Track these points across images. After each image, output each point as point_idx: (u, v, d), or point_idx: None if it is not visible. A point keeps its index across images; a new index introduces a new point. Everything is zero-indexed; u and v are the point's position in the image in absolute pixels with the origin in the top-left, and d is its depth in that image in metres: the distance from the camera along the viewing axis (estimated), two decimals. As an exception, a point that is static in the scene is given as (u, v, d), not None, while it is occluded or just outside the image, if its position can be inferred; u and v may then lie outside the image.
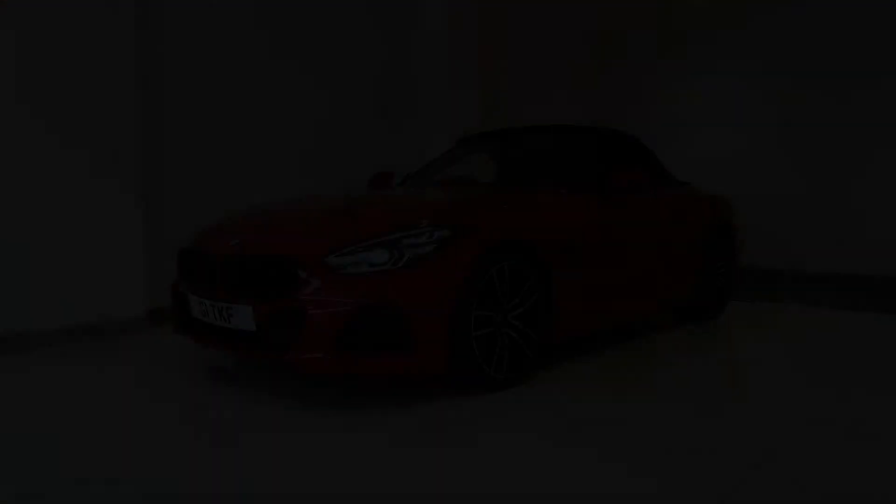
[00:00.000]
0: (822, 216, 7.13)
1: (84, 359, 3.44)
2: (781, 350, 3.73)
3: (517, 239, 2.88)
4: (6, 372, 3.17)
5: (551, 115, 6.97)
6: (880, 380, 3.10)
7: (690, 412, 2.63)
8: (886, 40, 6.71)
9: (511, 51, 7.24)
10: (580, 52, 8.42)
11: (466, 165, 4.43)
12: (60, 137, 3.73)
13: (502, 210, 3.04)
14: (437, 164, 4.49)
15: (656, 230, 3.99)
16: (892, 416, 2.59)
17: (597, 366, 3.30)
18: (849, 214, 6.98)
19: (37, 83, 3.63)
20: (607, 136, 4.04)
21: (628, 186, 3.55)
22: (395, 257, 2.57)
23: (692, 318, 4.53)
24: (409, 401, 2.70)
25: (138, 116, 4.02)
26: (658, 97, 8.34)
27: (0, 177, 3.54)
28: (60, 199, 3.75)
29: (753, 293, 6.03)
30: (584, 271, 3.26)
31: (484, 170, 4.53)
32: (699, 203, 4.45)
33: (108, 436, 2.31)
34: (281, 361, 2.57)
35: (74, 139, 3.77)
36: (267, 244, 2.77)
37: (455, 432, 2.36)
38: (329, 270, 2.55)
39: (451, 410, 2.59)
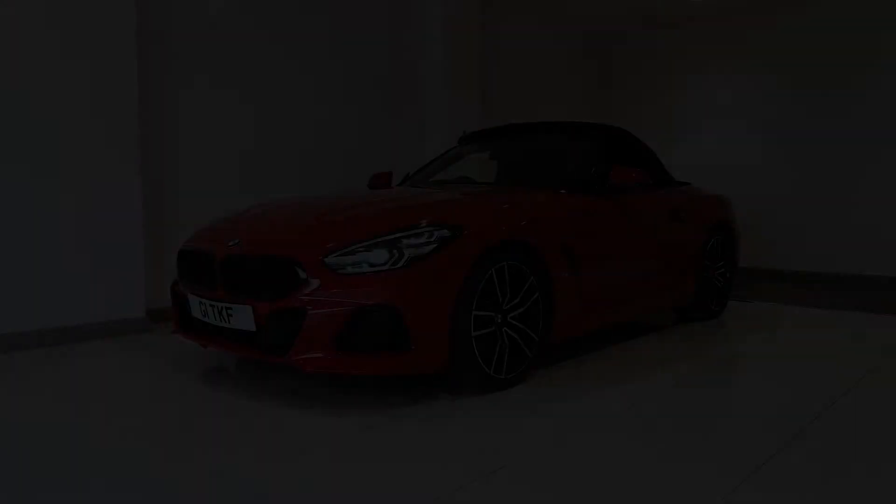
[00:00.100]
0: (823, 217, 7.14)
1: (84, 359, 3.44)
2: (780, 350, 3.73)
3: (517, 239, 2.88)
4: (6, 372, 3.17)
5: (551, 114, 6.98)
6: (876, 379, 3.11)
7: (690, 412, 2.63)
8: (888, 40, 6.70)
9: (511, 51, 7.24)
10: (580, 52, 8.42)
11: (466, 165, 4.43)
12: (60, 137, 3.73)
13: (502, 210, 3.04)
14: (437, 164, 4.49)
15: (656, 230, 3.99)
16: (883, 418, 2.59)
17: (597, 366, 3.30)
18: (849, 215, 6.98)
19: (37, 83, 3.63)
20: (607, 135, 4.04)
21: (628, 186, 3.56)
22: (394, 257, 2.57)
23: (692, 318, 4.54)
24: (409, 401, 2.70)
25: (139, 116, 4.02)
26: (658, 97, 8.34)
27: (3, 180, 3.54)
28: (60, 199, 3.74)
29: (753, 293, 6.02)
30: (584, 271, 3.26)
31: (484, 170, 4.53)
32: (699, 203, 4.45)
33: (108, 436, 2.31)
34: (281, 361, 2.58)
35: (75, 139, 3.77)
36: (267, 244, 2.77)
37: (455, 432, 2.36)
38: (329, 270, 2.55)
39: (451, 410, 2.59)
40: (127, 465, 2.06)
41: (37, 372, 3.17)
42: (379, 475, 2.00)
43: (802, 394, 2.87)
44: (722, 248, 4.60)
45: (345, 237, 2.65)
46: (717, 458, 2.13)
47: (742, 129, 7.67)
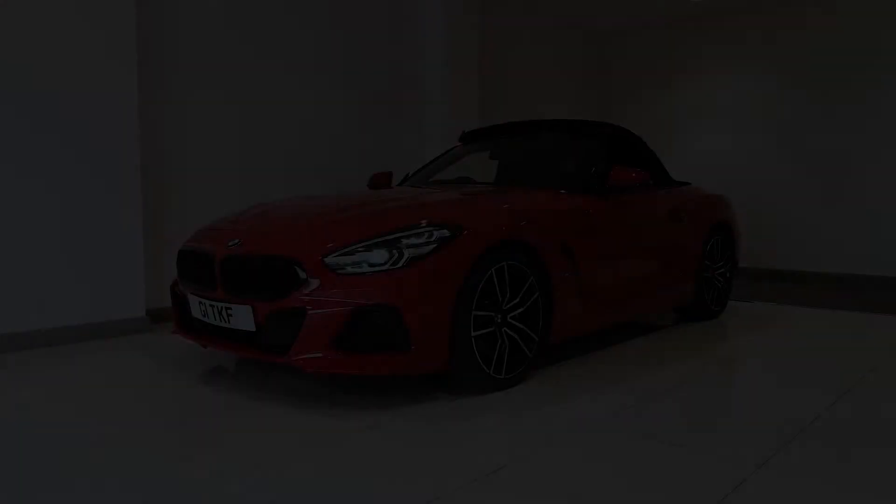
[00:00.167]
0: (823, 217, 7.14)
1: (84, 359, 3.44)
2: (780, 350, 3.73)
3: (517, 239, 2.88)
4: (5, 371, 3.17)
5: (551, 114, 6.98)
6: (873, 378, 3.11)
7: (690, 412, 2.63)
8: (888, 40, 6.70)
9: (511, 50, 7.24)
10: (580, 52, 8.42)
11: (466, 165, 4.43)
12: (60, 138, 3.73)
13: (502, 210, 3.04)
14: (437, 164, 4.49)
15: (656, 230, 3.99)
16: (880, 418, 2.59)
17: (596, 366, 3.30)
18: (849, 215, 6.98)
19: (37, 84, 3.64)
20: (607, 133, 4.04)
21: (628, 186, 3.56)
22: (394, 257, 2.57)
23: (692, 318, 4.54)
24: (409, 401, 2.70)
25: (139, 116, 4.02)
26: (658, 97, 8.34)
27: (3, 180, 3.55)
28: (60, 199, 3.75)
29: (753, 293, 6.03)
30: (584, 271, 3.27)
31: (484, 169, 4.53)
32: (699, 203, 4.45)
33: (108, 436, 2.32)
34: (281, 361, 2.58)
35: (74, 139, 3.78)
36: (266, 244, 2.77)
37: (455, 432, 2.37)
38: (329, 270, 2.56)
39: (451, 410, 2.59)
40: (127, 466, 2.06)
41: (36, 372, 3.17)
42: (379, 475, 2.00)
43: (802, 394, 2.87)
44: (722, 248, 4.61)
45: (345, 237, 2.65)
46: (717, 458, 2.13)
47: (742, 130, 7.67)
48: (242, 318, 2.67)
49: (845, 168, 6.98)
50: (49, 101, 3.68)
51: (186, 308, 3.06)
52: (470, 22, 6.15)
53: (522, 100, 7.34)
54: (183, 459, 2.10)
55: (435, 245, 2.62)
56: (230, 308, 2.71)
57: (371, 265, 2.56)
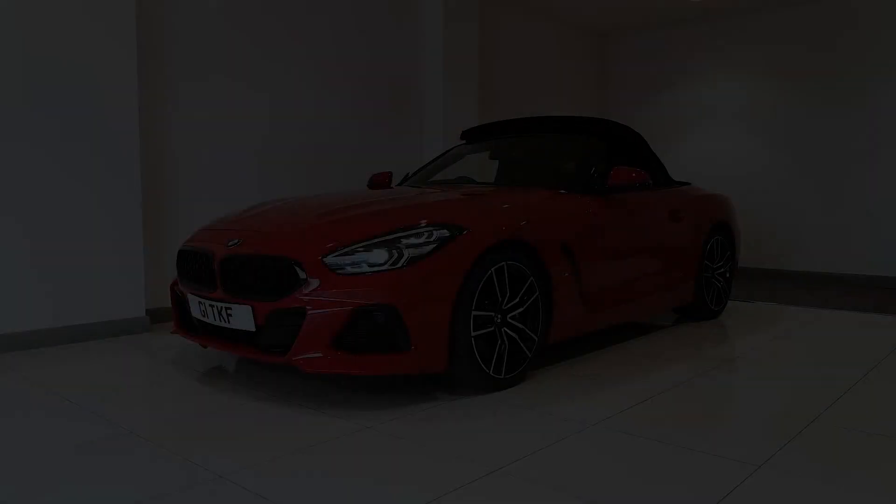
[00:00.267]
0: (823, 217, 7.14)
1: (84, 359, 3.44)
2: (780, 350, 3.73)
3: (516, 239, 2.88)
4: (5, 371, 3.17)
5: (551, 114, 6.98)
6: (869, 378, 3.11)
7: (690, 412, 2.63)
8: (889, 40, 6.70)
9: (511, 50, 7.24)
10: (580, 52, 8.42)
11: (466, 165, 4.43)
12: (60, 137, 3.73)
13: (502, 210, 3.04)
14: (437, 164, 4.49)
15: (656, 230, 3.99)
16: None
17: (596, 366, 3.30)
18: (849, 215, 6.98)
19: (37, 83, 3.64)
20: (608, 131, 4.04)
21: (628, 185, 3.56)
22: (394, 257, 2.57)
23: (691, 318, 4.54)
24: (409, 401, 2.70)
25: (139, 116, 4.02)
26: (658, 97, 8.34)
27: (3, 180, 3.55)
28: (60, 198, 3.75)
29: (753, 293, 6.02)
30: (584, 271, 3.27)
31: (484, 169, 4.53)
32: (699, 202, 4.45)
33: (108, 436, 2.31)
34: (281, 361, 2.58)
35: (74, 139, 3.77)
36: (266, 244, 2.77)
37: (455, 432, 2.36)
38: (328, 270, 2.56)
39: (451, 410, 2.59)
40: (126, 465, 2.06)
41: (36, 372, 3.17)
42: (378, 475, 2.00)
43: (802, 394, 2.87)
44: (722, 247, 4.61)
45: (344, 237, 2.65)
46: (716, 458, 2.13)
47: (742, 130, 7.67)
48: (242, 318, 2.67)
49: (845, 168, 6.98)
50: (49, 102, 3.68)
51: (186, 308, 3.07)
52: (470, 22, 6.15)
53: (522, 100, 7.34)
54: (182, 459, 2.10)
55: (435, 245, 2.62)
56: (230, 308, 2.71)
57: (371, 265, 2.56)
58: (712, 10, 7.52)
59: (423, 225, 2.69)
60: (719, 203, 4.67)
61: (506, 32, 7.17)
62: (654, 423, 2.47)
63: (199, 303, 2.88)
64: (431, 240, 2.63)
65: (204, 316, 2.87)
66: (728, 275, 4.69)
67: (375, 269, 2.56)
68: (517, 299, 2.87)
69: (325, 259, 2.57)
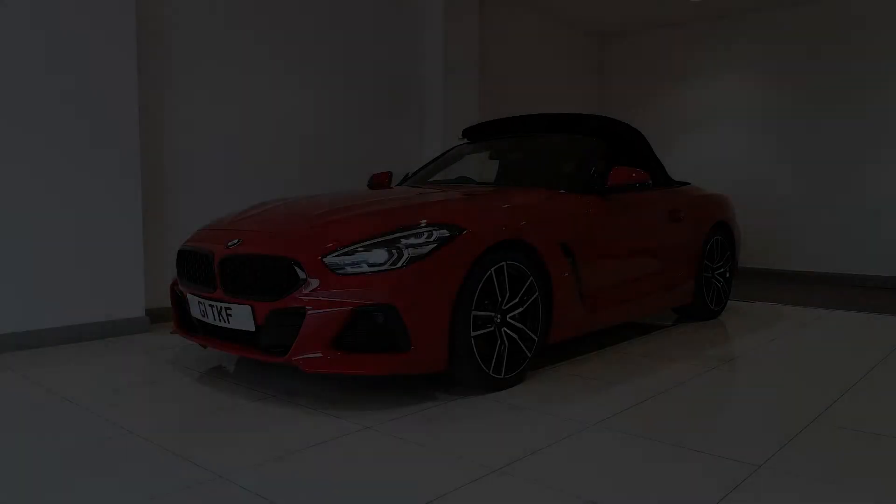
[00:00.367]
0: (823, 217, 7.14)
1: (83, 359, 3.44)
2: (780, 350, 3.73)
3: (516, 239, 2.88)
4: (5, 371, 3.17)
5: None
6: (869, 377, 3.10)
7: (690, 412, 2.63)
8: (889, 40, 6.70)
9: (511, 50, 7.24)
10: (580, 52, 8.42)
11: (466, 165, 4.43)
12: (60, 137, 3.73)
13: (501, 210, 3.04)
14: (437, 164, 4.49)
15: (656, 230, 3.99)
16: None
17: (596, 366, 3.30)
18: (849, 215, 6.98)
19: (37, 83, 3.64)
20: (609, 130, 4.05)
21: (628, 185, 3.56)
22: (394, 257, 2.57)
23: (691, 318, 4.54)
24: (409, 401, 2.70)
25: (139, 116, 4.02)
26: (658, 97, 8.34)
27: (3, 180, 3.55)
28: (60, 199, 3.74)
29: (753, 293, 6.02)
30: (584, 271, 3.27)
31: (484, 169, 4.53)
32: (699, 202, 4.45)
33: (107, 436, 2.31)
34: (280, 361, 2.58)
35: (74, 139, 3.77)
36: (266, 244, 2.77)
37: (454, 432, 2.36)
38: (328, 270, 2.56)
39: (451, 410, 2.59)
40: (126, 465, 2.06)
41: (36, 372, 3.16)
42: (378, 475, 2.00)
43: (802, 394, 2.87)
44: (721, 247, 4.61)
45: (344, 237, 2.65)
46: (716, 457, 2.13)
47: (742, 130, 7.67)
48: (242, 318, 2.67)
49: (845, 168, 6.98)
50: (49, 102, 3.68)
51: (186, 308, 3.07)
52: (470, 22, 6.15)
53: (522, 100, 7.33)
54: (182, 459, 2.10)
55: (434, 245, 2.62)
56: (230, 308, 2.71)
57: (371, 265, 2.56)
58: (712, 10, 7.52)
59: (422, 225, 2.69)
60: (719, 203, 4.67)
61: (506, 33, 7.17)
62: (654, 423, 2.47)
63: (199, 303, 2.88)
64: (431, 240, 2.63)
65: (204, 316, 2.87)
66: (728, 275, 4.69)
67: (375, 269, 2.56)
68: (517, 299, 2.87)
69: (324, 259, 2.57)
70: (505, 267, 2.80)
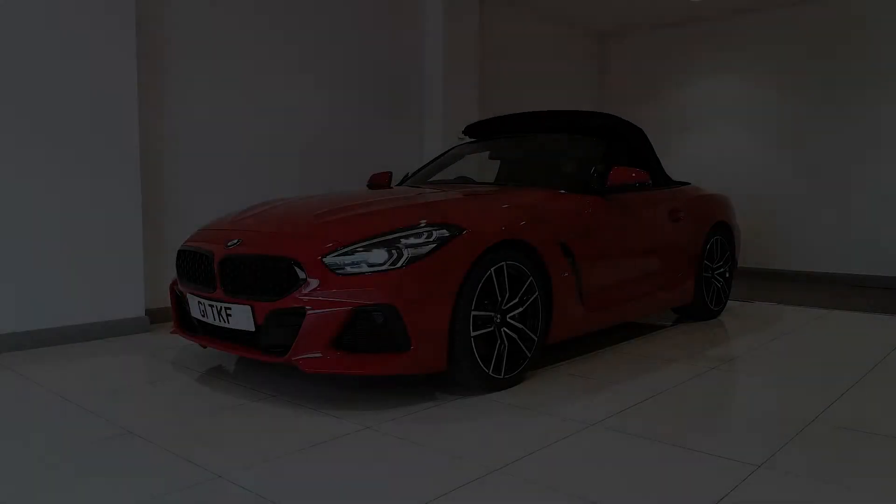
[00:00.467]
0: (823, 217, 7.13)
1: (83, 359, 3.44)
2: (780, 350, 3.73)
3: (516, 238, 2.88)
4: (5, 371, 3.17)
5: (551, 114, 6.96)
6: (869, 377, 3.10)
7: (690, 412, 2.63)
8: (889, 40, 6.70)
9: (510, 50, 7.24)
10: (580, 52, 8.42)
11: (466, 165, 4.43)
12: (60, 137, 3.73)
13: (501, 210, 3.04)
14: (437, 163, 4.49)
15: (655, 230, 3.99)
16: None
17: (596, 366, 3.30)
18: (849, 215, 6.98)
19: (37, 83, 3.63)
20: (611, 128, 4.04)
21: (628, 186, 3.56)
22: (393, 257, 2.57)
23: (691, 318, 4.54)
24: (408, 401, 2.70)
25: (139, 116, 4.02)
26: (658, 97, 8.34)
27: (3, 180, 3.55)
28: (60, 199, 3.74)
29: (753, 293, 6.02)
30: (583, 271, 3.27)
31: (484, 169, 4.53)
32: (698, 202, 4.45)
33: (107, 436, 2.31)
34: (280, 361, 2.58)
35: (74, 139, 3.77)
36: (266, 244, 2.77)
37: (454, 432, 2.36)
38: (328, 270, 2.56)
39: (450, 410, 2.59)
40: (126, 466, 2.06)
41: (36, 372, 3.17)
42: (377, 475, 2.00)
43: (802, 394, 2.87)
44: (721, 247, 4.60)
45: (344, 237, 2.65)
46: (716, 458, 2.13)
47: (742, 129, 7.67)
48: (242, 318, 2.67)
49: (845, 168, 6.97)
50: (49, 102, 3.68)
51: (186, 308, 3.07)
52: (470, 23, 6.15)
53: (522, 100, 7.32)
54: (182, 459, 2.10)
55: (434, 245, 2.62)
56: (229, 308, 2.71)
57: (370, 265, 2.56)
58: (712, 10, 7.51)
59: (422, 225, 2.69)
60: (719, 203, 4.67)
61: (506, 32, 7.16)
62: (654, 423, 2.47)
63: (199, 303, 2.88)
64: (431, 240, 2.63)
65: (203, 316, 2.87)
66: (728, 275, 4.69)
67: (375, 268, 2.56)
68: (517, 299, 2.87)
69: (324, 259, 2.57)
70: (505, 267, 2.80)
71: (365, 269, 2.56)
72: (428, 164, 4.56)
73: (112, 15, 3.89)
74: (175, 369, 3.21)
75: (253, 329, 2.65)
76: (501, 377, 2.82)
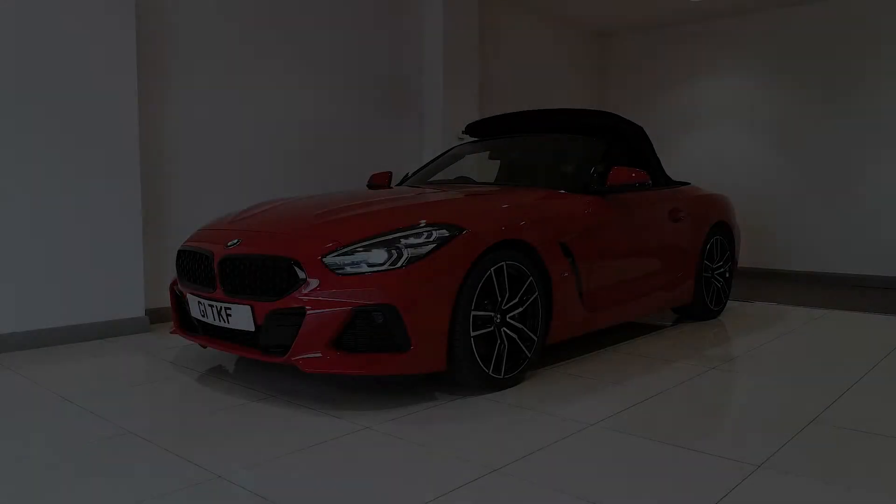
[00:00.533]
0: (823, 217, 7.13)
1: (83, 359, 3.44)
2: (780, 350, 3.73)
3: (516, 238, 2.88)
4: (5, 371, 3.17)
5: (551, 115, 6.96)
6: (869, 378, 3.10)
7: (690, 412, 2.63)
8: (888, 39, 6.70)
9: (510, 51, 7.24)
10: (580, 52, 8.42)
11: (466, 165, 4.43)
12: (60, 137, 3.73)
13: (501, 210, 3.04)
14: (437, 163, 4.49)
15: (655, 230, 3.99)
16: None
17: (595, 365, 3.30)
18: (849, 215, 6.98)
19: (37, 83, 3.63)
20: (612, 127, 4.04)
21: (628, 186, 3.56)
22: (393, 257, 2.57)
23: (691, 318, 4.54)
24: (408, 401, 2.70)
25: (139, 116, 4.02)
26: (658, 97, 8.34)
27: (3, 180, 3.55)
28: (60, 199, 3.74)
29: (753, 293, 6.02)
30: (583, 271, 3.27)
31: (484, 169, 4.53)
32: (698, 202, 4.45)
33: (107, 436, 2.31)
34: (280, 361, 2.58)
35: (74, 139, 3.77)
36: (265, 244, 2.77)
37: (453, 432, 2.36)
38: (328, 270, 2.56)
39: (450, 410, 2.59)
40: (126, 466, 2.06)
41: (35, 372, 3.17)
42: (377, 475, 2.00)
43: (802, 394, 2.87)
44: (721, 247, 4.61)
45: (344, 237, 2.65)
46: (716, 458, 2.13)
47: (742, 129, 7.67)
48: (241, 318, 2.67)
49: (845, 168, 6.97)
50: (49, 103, 3.68)
51: (186, 308, 3.07)
52: (470, 23, 6.15)
53: (522, 100, 7.33)
54: (182, 459, 2.10)
55: (434, 245, 2.62)
56: (229, 308, 2.71)
57: (370, 265, 2.56)
58: (712, 10, 7.51)
59: (422, 225, 2.69)
60: (718, 203, 4.67)
61: (506, 32, 7.16)
62: (654, 423, 2.47)
63: (199, 303, 2.88)
64: (431, 240, 2.63)
65: (203, 316, 2.87)
66: (727, 275, 4.69)
67: (375, 268, 2.56)
68: (516, 299, 2.87)
69: (324, 259, 2.57)
70: (504, 267, 2.80)
71: (365, 269, 2.56)
72: (428, 164, 4.56)
73: (112, 14, 3.89)
74: (175, 369, 3.21)
75: (253, 329, 2.65)
76: (501, 377, 2.82)
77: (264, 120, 4.91)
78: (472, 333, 2.66)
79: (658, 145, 7.58)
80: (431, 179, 4.31)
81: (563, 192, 3.50)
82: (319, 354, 2.51)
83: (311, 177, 5.18)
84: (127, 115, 3.97)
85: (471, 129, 4.68)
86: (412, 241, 2.61)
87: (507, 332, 2.84)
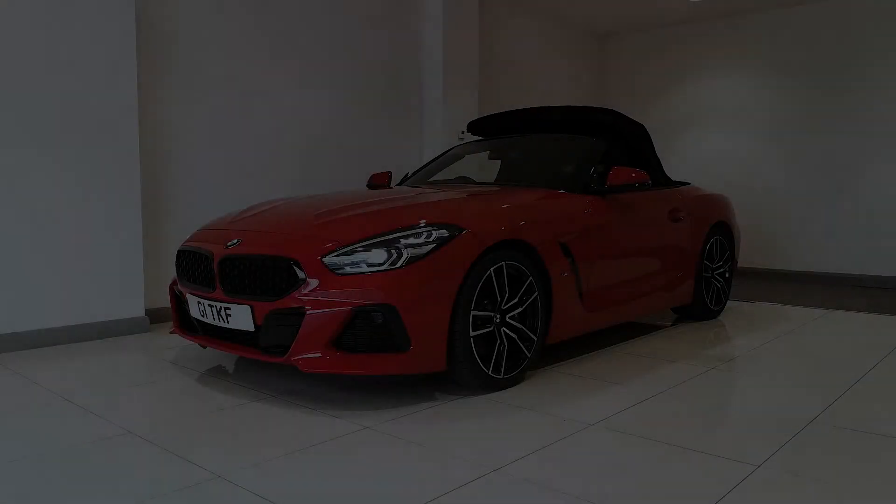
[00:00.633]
0: (823, 216, 7.13)
1: (83, 359, 3.44)
2: (780, 350, 3.73)
3: (516, 238, 2.88)
4: (5, 371, 3.17)
5: (551, 115, 6.96)
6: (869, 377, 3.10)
7: (690, 412, 2.63)
8: (888, 39, 6.70)
9: (510, 50, 7.24)
10: (580, 52, 8.42)
11: (466, 165, 4.43)
12: (60, 138, 3.73)
13: (501, 210, 3.04)
14: (437, 163, 4.49)
15: (655, 230, 3.99)
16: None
17: (595, 365, 3.30)
18: (849, 215, 6.98)
19: (37, 84, 3.63)
20: (612, 126, 4.05)
21: (628, 186, 3.56)
22: (393, 257, 2.57)
23: (691, 318, 4.54)
24: (408, 401, 2.70)
25: (139, 116, 4.02)
26: (658, 97, 8.34)
27: (3, 180, 3.55)
28: (60, 199, 3.74)
29: (753, 293, 6.02)
30: (583, 271, 3.27)
31: (484, 169, 4.53)
32: (698, 202, 4.45)
33: (107, 436, 2.31)
34: (280, 361, 2.58)
35: (74, 139, 3.77)
36: (265, 244, 2.77)
37: (453, 432, 2.36)
38: (327, 270, 2.56)
39: (450, 410, 2.59)
40: (125, 466, 2.06)
41: (35, 372, 3.16)
42: (377, 475, 2.00)
43: (802, 394, 2.87)
44: (721, 247, 4.61)
45: (343, 237, 2.65)
46: (716, 458, 2.13)
47: (742, 129, 7.67)
48: (241, 318, 2.67)
49: (845, 168, 6.97)
50: (48, 104, 3.68)
51: (185, 308, 3.07)
52: (470, 22, 6.15)
53: (522, 100, 7.33)
54: (182, 459, 2.10)
55: (434, 245, 2.62)
56: (229, 308, 2.71)
57: (370, 265, 2.56)
58: (712, 10, 7.51)
59: (422, 225, 2.69)
60: (718, 203, 4.67)
61: (506, 32, 7.16)
62: (654, 423, 2.47)
63: (199, 303, 2.88)
64: (430, 240, 2.63)
65: (203, 316, 2.88)
66: (727, 275, 4.69)
67: (374, 268, 2.56)
68: (516, 299, 2.87)
69: (324, 259, 2.57)
70: (504, 267, 2.80)
71: (364, 269, 2.56)
72: (428, 164, 4.56)
73: (112, 15, 3.88)
74: (175, 369, 3.21)
75: (252, 329, 2.65)
76: (501, 377, 2.82)
77: (265, 120, 4.91)
78: (472, 333, 2.66)
79: (658, 145, 7.57)
80: (431, 179, 4.31)
81: (562, 192, 3.50)
82: (319, 354, 2.51)
83: (311, 177, 5.18)
84: (127, 115, 3.97)
85: (473, 126, 4.68)
86: (412, 241, 2.61)
87: (507, 332, 2.84)
